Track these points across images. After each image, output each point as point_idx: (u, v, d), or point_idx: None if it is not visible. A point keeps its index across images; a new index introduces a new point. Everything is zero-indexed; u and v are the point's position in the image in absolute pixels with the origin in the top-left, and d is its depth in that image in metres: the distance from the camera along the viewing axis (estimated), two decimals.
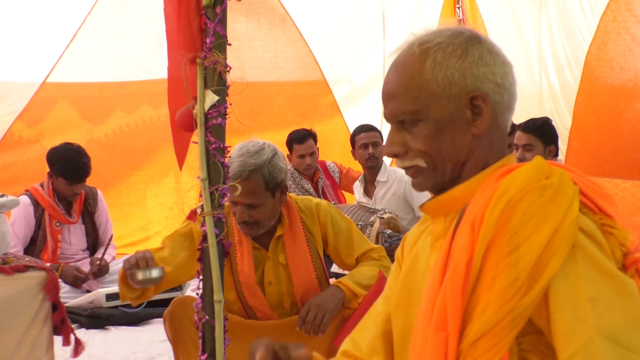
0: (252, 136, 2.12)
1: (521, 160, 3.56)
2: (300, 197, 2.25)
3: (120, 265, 4.05)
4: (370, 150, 4.11)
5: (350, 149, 4.40)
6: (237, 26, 5.17)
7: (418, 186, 1.14)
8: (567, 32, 4.94)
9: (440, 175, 1.10)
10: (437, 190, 1.12)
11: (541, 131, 3.55)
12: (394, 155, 1.13)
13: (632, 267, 0.94)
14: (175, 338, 2.08)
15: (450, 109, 1.07)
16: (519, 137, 3.60)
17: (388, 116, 1.12)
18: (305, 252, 2.15)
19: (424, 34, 1.11)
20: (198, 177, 1.61)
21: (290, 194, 2.22)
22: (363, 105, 5.84)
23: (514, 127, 4.22)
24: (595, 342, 0.85)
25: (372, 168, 4.17)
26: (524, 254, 0.88)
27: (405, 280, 1.19)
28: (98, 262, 3.76)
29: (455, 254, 0.95)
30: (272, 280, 2.14)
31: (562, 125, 4.92)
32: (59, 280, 2.38)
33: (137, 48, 4.87)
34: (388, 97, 1.12)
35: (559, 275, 0.88)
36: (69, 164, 3.69)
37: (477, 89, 1.06)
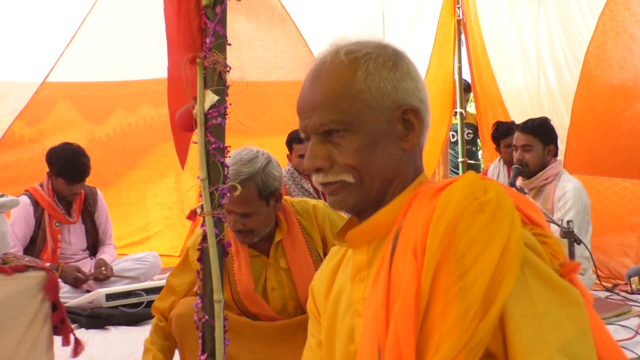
0: (246, 144, 2.11)
1: (520, 160, 3.55)
2: (296, 200, 2.25)
3: (121, 265, 4.07)
4: None
5: None
6: (237, 26, 5.17)
7: (339, 204, 1.04)
8: (565, 32, 4.94)
9: (366, 192, 1.02)
10: (358, 210, 1.05)
11: (540, 131, 3.54)
12: (316, 170, 1.04)
13: (567, 277, 0.91)
14: (182, 339, 2.08)
15: (382, 121, 1.02)
16: (518, 138, 3.59)
17: (311, 127, 1.03)
18: (306, 255, 2.15)
19: (347, 43, 1.06)
20: (198, 177, 1.61)
21: (286, 197, 2.21)
22: None
23: (514, 127, 4.22)
24: (555, 359, 0.82)
25: None
26: (474, 278, 0.83)
27: (330, 326, 1.10)
28: (104, 269, 3.77)
29: (401, 285, 0.88)
30: (275, 286, 2.14)
31: (561, 125, 4.91)
32: (59, 280, 2.38)
33: (137, 48, 4.86)
34: (312, 107, 1.03)
35: (511, 295, 0.84)
36: (68, 164, 3.69)
37: (407, 103, 1.03)
